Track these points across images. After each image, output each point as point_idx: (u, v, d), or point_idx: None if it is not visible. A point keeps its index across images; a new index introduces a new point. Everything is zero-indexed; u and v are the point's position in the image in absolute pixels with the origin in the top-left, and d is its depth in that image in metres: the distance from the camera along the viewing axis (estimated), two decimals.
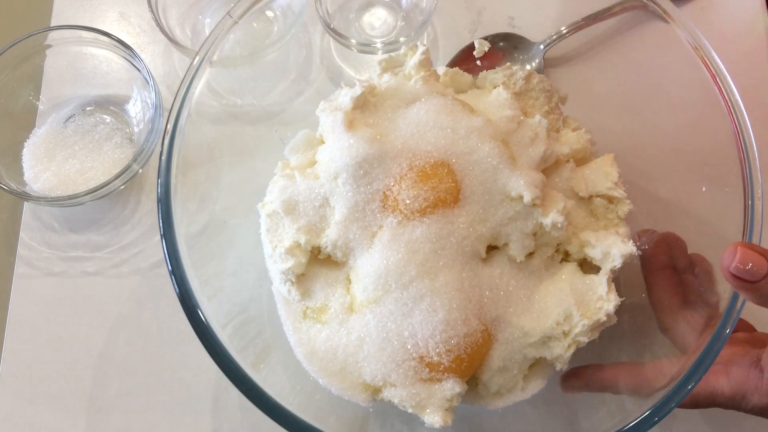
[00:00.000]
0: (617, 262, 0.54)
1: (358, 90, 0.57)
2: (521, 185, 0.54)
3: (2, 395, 0.65)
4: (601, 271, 0.55)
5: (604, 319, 0.53)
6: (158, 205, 0.51)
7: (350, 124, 0.56)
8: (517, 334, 0.54)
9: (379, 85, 0.60)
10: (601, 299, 0.54)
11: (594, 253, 0.56)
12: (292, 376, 0.56)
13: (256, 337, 0.57)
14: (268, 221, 0.58)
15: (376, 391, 0.54)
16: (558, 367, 0.55)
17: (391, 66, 0.62)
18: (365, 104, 0.58)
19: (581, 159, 0.61)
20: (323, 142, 0.60)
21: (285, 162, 0.61)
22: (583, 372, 0.56)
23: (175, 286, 0.50)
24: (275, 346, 0.57)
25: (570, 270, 0.57)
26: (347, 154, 0.55)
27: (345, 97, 0.58)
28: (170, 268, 0.50)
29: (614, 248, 0.55)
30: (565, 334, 0.54)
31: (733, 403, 0.50)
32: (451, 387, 0.52)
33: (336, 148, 0.56)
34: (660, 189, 0.59)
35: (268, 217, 0.58)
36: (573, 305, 0.54)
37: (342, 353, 0.54)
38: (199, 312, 0.49)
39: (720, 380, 0.50)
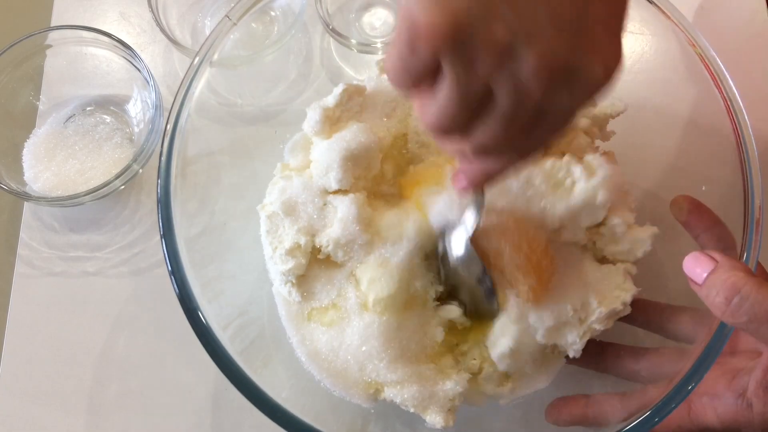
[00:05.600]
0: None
1: (340, 88, 0.58)
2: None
3: (2, 395, 0.65)
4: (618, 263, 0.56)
5: (620, 308, 0.54)
6: (158, 206, 0.51)
7: (336, 120, 0.57)
8: (533, 318, 0.54)
9: (366, 85, 0.60)
10: (618, 288, 0.54)
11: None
12: (293, 377, 0.56)
13: (256, 339, 0.57)
14: (268, 223, 0.58)
15: (377, 391, 0.54)
16: (571, 354, 0.55)
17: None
18: (355, 104, 0.59)
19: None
20: None
21: (284, 163, 0.61)
22: (571, 404, 0.54)
23: (175, 287, 0.50)
24: (276, 348, 0.57)
25: (588, 260, 0.57)
26: (335, 148, 0.55)
27: (330, 96, 0.58)
28: (170, 269, 0.50)
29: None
30: (581, 320, 0.54)
31: None
32: (453, 386, 0.52)
33: (323, 145, 0.56)
34: (660, 189, 0.59)
35: (268, 218, 0.58)
36: (591, 292, 0.54)
37: (344, 352, 0.54)
38: (200, 314, 0.49)
39: (708, 416, 0.48)
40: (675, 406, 0.47)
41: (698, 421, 0.48)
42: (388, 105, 0.60)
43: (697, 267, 0.45)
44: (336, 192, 0.57)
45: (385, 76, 0.61)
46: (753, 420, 0.46)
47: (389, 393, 0.53)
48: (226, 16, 0.57)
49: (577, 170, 0.54)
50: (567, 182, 0.55)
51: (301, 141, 0.61)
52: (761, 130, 0.72)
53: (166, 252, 0.50)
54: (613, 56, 0.35)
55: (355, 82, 0.60)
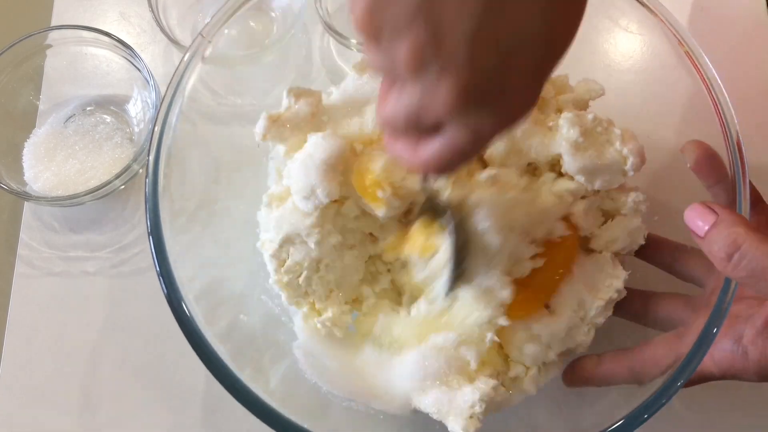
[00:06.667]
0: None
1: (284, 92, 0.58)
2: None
3: (2, 395, 0.65)
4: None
5: (615, 295, 0.54)
6: (146, 204, 0.51)
7: (291, 126, 0.57)
8: (544, 332, 0.54)
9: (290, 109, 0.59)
10: (609, 276, 0.55)
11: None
12: (291, 385, 0.56)
13: (254, 350, 0.57)
14: (275, 262, 0.56)
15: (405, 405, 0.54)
16: (580, 350, 0.56)
17: (365, 67, 0.62)
18: (304, 105, 0.58)
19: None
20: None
21: (271, 193, 0.59)
22: (582, 366, 0.55)
23: (163, 286, 0.50)
24: (275, 358, 0.57)
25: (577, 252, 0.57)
26: (309, 165, 0.54)
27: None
28: (158, 269, 0.50)
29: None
30: (582, 319, 0.54)
31: (729, 379, 0.49)
32: (471, 392, 0.51)
33: (294, 167, 0.56)
34: (649, 188, 0.59)
35: (273, 257, 0.56)
36: (583, 290, 0.54)
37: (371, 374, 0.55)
38: (186, 310, 0.49)
39: (706, 363, 0.49)
40: (666, 402, 0.47)
41: (697, 369, 0.48)
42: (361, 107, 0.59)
43: (698, 219, 0.46)
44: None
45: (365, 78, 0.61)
46: (748, 367, 0.47)
47: (415, 401, 0.53)
48: (200, 34, 0.57)
49: (617, 131, 0.56)
50: (602, 139, 0.55)
51: (275, 169, 0.61)
52: (762, 130, 0.72)
53: (153, 249, 0.50)
54: (520, 106, 0.35)
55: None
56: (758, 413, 0.62)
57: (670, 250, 0.56)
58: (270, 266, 0.57)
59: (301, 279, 0.56)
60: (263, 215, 0.58)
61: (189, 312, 0.50)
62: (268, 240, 0.57)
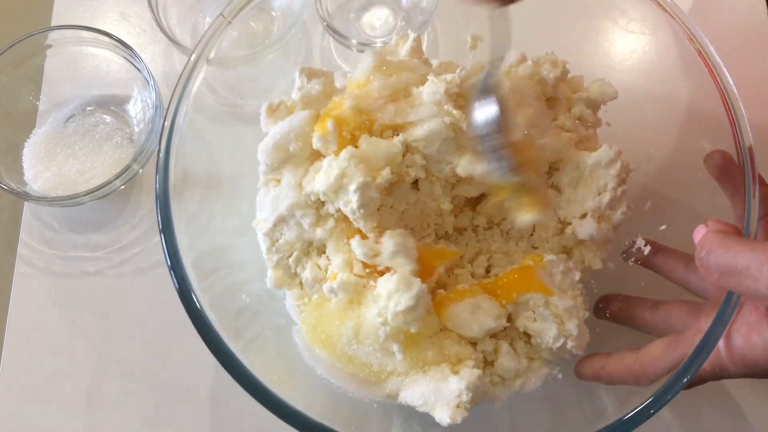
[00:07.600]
0: None
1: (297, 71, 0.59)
2: None
3: (2, 395, 0.65)
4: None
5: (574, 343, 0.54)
6: (156, 203, 0.51)
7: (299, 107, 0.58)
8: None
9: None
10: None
11: None
12: (292, 370, 0.56)
13: (262, 340, 0.57)
14: (267, 240, 0.57)
15: (391, 395, 0.54)
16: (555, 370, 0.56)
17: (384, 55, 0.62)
18: (314, 84, 0.59)
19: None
20: None
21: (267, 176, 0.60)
22: (590, 363, 0.55)
23: (175, 283, 0.49)
24: (281, 344, 0.57)
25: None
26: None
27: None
28: (170, 264, 0.50)
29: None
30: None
31: (718, 376, 0.49)
32: (458, 382, 0.51)
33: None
34: (656, 182, 0.59)
35: (266, 236, 0.57)
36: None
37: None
38: (201, 310, 0.49)
39: None
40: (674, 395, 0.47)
41: None
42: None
43: (697, 236, 0.46)
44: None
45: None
46: (734, 356, 0.47)
47: (400, 396, 0.53)
48: (221, 14, 0.57)
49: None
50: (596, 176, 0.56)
51: None
52: (761, 126, 0.72)
53: (165, 249, 0.50)
54: None
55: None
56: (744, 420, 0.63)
57: (684, 261, 0.55)
58: (262, 245, 0.57)
59: (291, 259, 0.56)
60: (260, 195, 0.59)
61: (199, 304, 0.49)
62: (262, 219, 0.57)
